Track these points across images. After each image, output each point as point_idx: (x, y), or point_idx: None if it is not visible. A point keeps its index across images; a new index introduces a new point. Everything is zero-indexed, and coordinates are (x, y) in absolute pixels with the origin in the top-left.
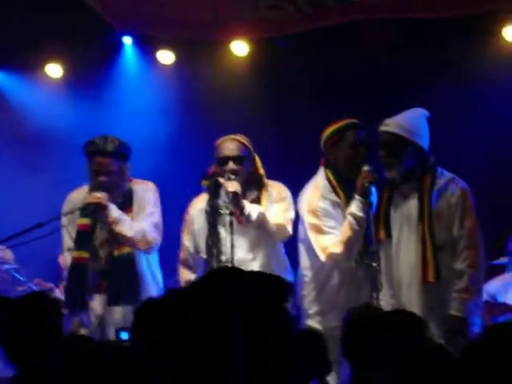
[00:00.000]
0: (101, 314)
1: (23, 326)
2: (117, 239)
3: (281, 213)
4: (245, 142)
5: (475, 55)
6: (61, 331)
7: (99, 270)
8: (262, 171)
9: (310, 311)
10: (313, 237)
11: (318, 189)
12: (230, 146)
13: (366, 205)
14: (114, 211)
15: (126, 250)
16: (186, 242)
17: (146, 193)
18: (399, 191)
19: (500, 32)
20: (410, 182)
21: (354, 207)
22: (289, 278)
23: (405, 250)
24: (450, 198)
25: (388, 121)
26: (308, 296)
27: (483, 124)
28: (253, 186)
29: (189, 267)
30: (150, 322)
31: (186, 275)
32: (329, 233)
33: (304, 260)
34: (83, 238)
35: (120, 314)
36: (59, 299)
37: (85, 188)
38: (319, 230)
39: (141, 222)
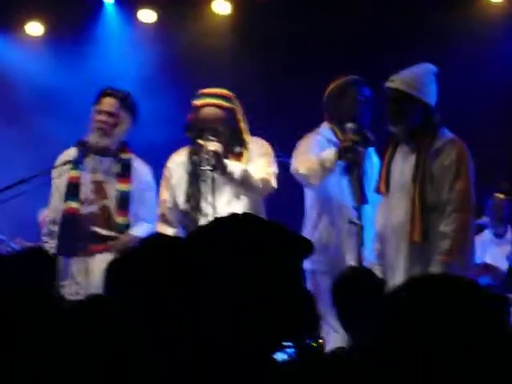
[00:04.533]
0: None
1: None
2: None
3: (263, 167)
4: (224, 103)
5: (459, 14)
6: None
7: (92, 232)
8: (244, 126)
9: None
10: (294, 155)
11: (317, 132)
12: (208, 115)
13: (334, 165)
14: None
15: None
16: (165, 196)
17: (148, 179)
18: (401, 148)
19: None
20: (413, 138)
21: (329, 156)
22: None
23: (395, 208)
24: (445, 159)
25: (394, 77)
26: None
27: (467, 81)
28: (235, 142)
29: (167, 222)
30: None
31: (165, 230)
32: (311, 153)
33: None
34: (74, 190)
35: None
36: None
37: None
38: (302, 151)
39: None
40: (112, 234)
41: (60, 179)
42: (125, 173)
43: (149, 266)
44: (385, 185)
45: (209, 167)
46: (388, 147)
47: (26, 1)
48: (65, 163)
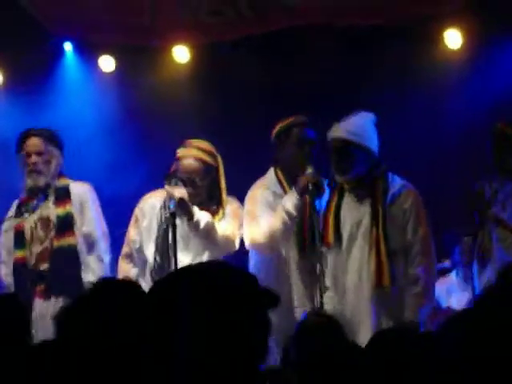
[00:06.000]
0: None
1: None
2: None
3: (231, 227)
4: (206, 157)
5: (417, 59)
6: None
7: (40, 271)
8: (223, 184)
9: None
10: (245, 222)
11: (263, 181)
12: (189, 166)
13: (303, 205)
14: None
15: (66, 241)
16: (134, 236)
17: (85, 193)
18: (350, 196)
19: (440, 36)
20: (361, 186)
21: (289, 202)
22: None
23: (355, 255)
24: (404, 203)
25: (335, 126)
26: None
27: (424, 126)
28: (212, 198)
29: (132, 261)
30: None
31: (127, 269)
32: (261, 218)
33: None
34: (19, 239)
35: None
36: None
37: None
38: (252, 216)
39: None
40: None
41: (6, 234)
42: (61, 197)
43: (105, 314)
44: (334, 236)
45: (168, 213)
46: (331, 198)
47: None
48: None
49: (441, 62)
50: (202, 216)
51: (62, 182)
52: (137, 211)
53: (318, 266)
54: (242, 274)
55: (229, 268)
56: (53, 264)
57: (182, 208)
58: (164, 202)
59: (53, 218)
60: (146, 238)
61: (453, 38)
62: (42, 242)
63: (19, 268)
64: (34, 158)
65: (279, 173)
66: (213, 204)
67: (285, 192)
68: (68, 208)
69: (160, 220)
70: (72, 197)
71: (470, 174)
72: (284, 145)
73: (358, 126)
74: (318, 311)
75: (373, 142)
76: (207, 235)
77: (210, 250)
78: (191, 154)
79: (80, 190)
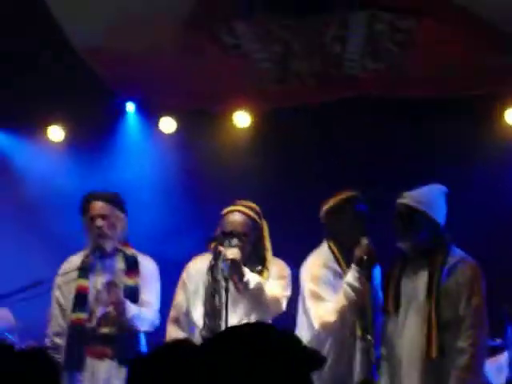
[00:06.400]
0: (106, 376)
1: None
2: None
3: (278, 288)
4: (251, 213)
5: (476, 135)
6: None
7: (102, 334)
8: (267, 244)
9: None
10: (311, 303)
11: (320, 257)
12: (235, 220)
13: (363, 276)
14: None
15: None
16: (181, 300)
17: (150, 269)
18: (411, 265)
19: (502, 114)
20: (422, 256)
21: (351, 277)
22: None
23: (410, 325)
24: (460, 276)
25: (405, 193)
26: None
27: (482, 205)
28: (256, 258)
29: (180, 326)
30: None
31: (175, 333)
32: (327, 300)
33: (302, 334)
34: (81, 300)
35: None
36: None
37: (85, 251)
38: (319, 298)
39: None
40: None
41: (61, 290)
42: (131, 268)
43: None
44: (393, 304)
45: (223, 278)
46: (394, 265)
47: (47, 106)
48: (69, 271)
49: (502, 138)
50: (252, 276)
51: (130, 250)
52: (184, 275)
53: (369, 337)
54: (286, 336)
55: (273, 329)
56: (119, 329)
57: (233, 268)
58: (211, 265)
59: (121, 285)
60: (192, 302)
61: None
62: (106, 305)
63: (77, 329)
64: (99, 222)
65: (333, 248)
66: (257, 264)
67: (341, 268)
68: (137, 280)
69: (208, 282)
70: (140, 269)
71: None
72: (338, 220)
73: (425, 195)
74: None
75: (438, 212)
76: (256, 296)
77: (258, 312)
78: (237, 208)
79: (149, 265)
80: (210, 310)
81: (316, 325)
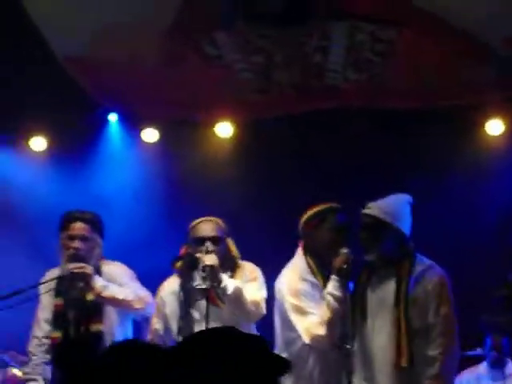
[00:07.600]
0: None
1: None
2: (113, 304)
3: (255, 291)
4: (220, 223)
5: (456, 146)
6: None
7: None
8: (235, 253)
9: None
10: (295, 318)
11: (295, 271)
12: (206, 226)
13: (343, 285)
14: (99, 278)
15: (94, 327)
16: (156, 325)
17: (116, 271)
18: (377, 274)
19: (482, 124)
20: (388, 266)
21: (332, 287)
22: None
23: (379, 333)
24: (428, 284)
25: (370, 204)
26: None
27: (461, 212)
28: (226, 266)
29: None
30: None
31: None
32: (311, 313)
33: (280, 342)
34: (57, 318)
35: None
36: None
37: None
38: (302, 312)
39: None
40: None
41: (45, 296)
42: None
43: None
44: (360, 312)
45: (203, 286)
46: (360, 275)
47: (29, 116)
48: (51, 280)
49: (482, 148)
50: (229, 282)
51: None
52: (158, 300)
53: (348, 346)
54: (253, 339)
55: (238, 333)
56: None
57: (212, 275)
58: (182, 280)
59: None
60: (172, 323)
61: (495, 127)
62: (76, 320)
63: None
64: (77, 244)
65: (310, 260)
66: (227, 270)
67: (318, 281)
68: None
69: (184, 297)
70: (107, 277)
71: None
72: (317, 231)
73: (391, 206)
74: None
75: (405, 224)
76: (235, 301)
77: (239, 318)
78: (203, 219)
79: (116, 270)
80: (184, 327)
81: (306, 339)
